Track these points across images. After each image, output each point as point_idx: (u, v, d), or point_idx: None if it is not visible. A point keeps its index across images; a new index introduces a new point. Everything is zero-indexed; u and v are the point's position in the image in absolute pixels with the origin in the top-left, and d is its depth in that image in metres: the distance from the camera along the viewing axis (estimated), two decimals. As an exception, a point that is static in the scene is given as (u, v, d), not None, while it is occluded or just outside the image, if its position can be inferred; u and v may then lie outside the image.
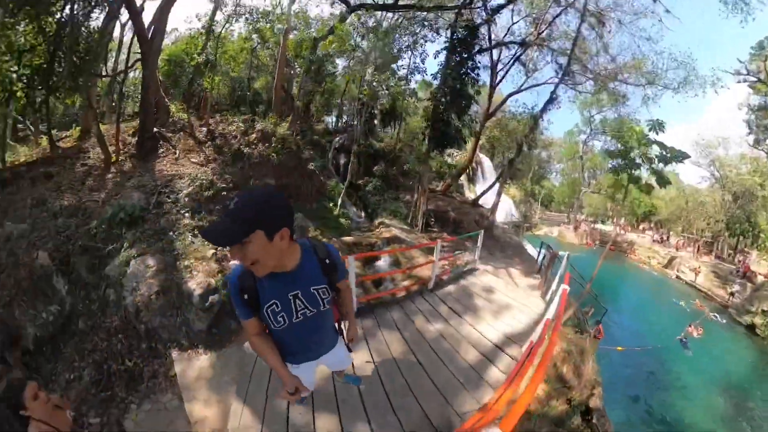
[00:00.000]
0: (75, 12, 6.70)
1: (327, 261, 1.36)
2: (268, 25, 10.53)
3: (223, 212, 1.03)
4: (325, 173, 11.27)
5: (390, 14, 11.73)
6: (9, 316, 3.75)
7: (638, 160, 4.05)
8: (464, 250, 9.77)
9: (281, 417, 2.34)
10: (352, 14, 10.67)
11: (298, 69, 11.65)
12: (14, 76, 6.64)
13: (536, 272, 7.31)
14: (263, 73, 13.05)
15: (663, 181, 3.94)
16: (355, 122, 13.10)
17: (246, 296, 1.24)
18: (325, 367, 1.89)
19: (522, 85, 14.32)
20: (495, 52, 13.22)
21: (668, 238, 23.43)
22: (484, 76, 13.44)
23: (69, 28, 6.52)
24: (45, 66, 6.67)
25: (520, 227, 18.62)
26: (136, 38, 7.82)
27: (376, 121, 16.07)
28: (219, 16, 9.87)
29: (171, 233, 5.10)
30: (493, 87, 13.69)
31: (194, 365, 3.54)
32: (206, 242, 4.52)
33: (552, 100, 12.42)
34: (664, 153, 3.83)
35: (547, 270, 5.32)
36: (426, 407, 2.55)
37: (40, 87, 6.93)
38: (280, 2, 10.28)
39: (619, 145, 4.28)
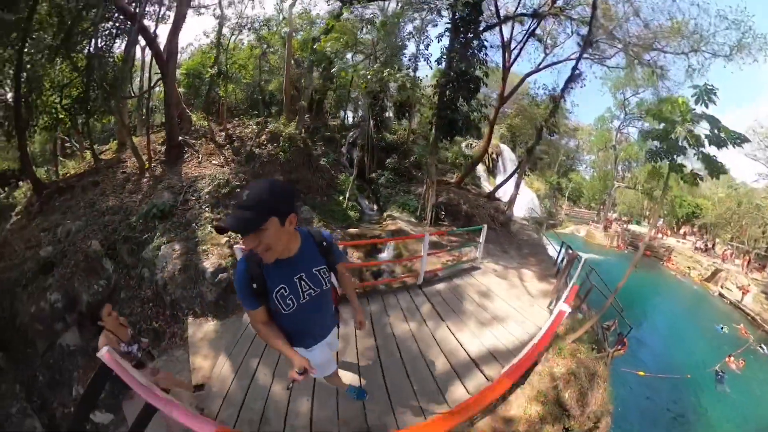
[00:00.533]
0: (100, 45, 8.34)
1: (324, 244, 1.54)
2: (272, 30, 11.40)
3: (239, 204, 1.11)
4: (338, 168, 11.56)
5: (388, 4, 11.76)
6: (70, 287, 5.17)
7: (682, 143, 3.22)
8: (473, 246, 9.16)
9: (249, 372, 2.99)
10: (350, 8, 10.83)
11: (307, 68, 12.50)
12: (58, 106, 8.54)
13: (554, 275, 6.59)
14: (276, 76, 13.65)
15: (715, 169, 3.07)
16: (367, 116, 13.67)
17: (255, 285, 1.34)
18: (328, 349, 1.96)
19: (540, 63, 13.00)
20: (506, 28, 12.00)
21: (713, 246, 20.34)
22: (496, 57, 12.82)
23: (97, 61, 8.09)
24: (82, 95, 8.47)
25: (541, 224, 17.36)
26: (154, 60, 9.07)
27: (390, 114, 16.22)
28: (225, 30, 10.86)
29: (194, 224, 6.44)
30: (506, 68, 12.59)
31: (203, 329, 4.50)
32: (216, 221, 6.26)
33: (574, 77, 11.21)
34: (716, 132, 3.00)
35: (564, 275, 4.62)
36: (344, 414, 2.55)
37: (80, 113, 8.73)
38: (281, 7, 11.06)
39: (657, 124, 3.43)
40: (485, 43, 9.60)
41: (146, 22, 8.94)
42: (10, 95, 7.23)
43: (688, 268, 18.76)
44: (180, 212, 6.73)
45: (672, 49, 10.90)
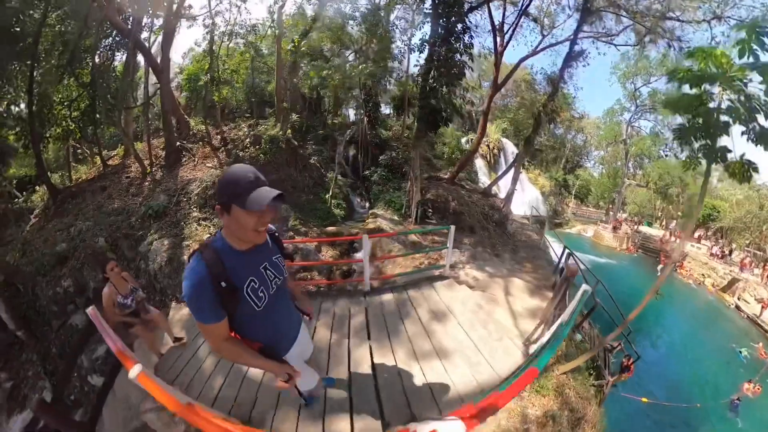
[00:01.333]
0: (101, 61, 9.67)
1: (276, 234, 1.65)
2: (260, 34, 11.87)
3: (262, 182, 1.20)
4: (330, 166, 11.75)
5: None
6: (80, 276, 6.28)
7: (725, 116, 2.25)
8: (458, 248, 8.25)
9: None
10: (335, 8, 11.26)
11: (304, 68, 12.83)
12: (68, 118, 9.77)
13: (551, 287, 5.66)
14: (273, 77, 13.69)
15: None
16: (361, 113, 14.12)
17: (223, 283, 1.21)
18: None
19: (537, 46, 11.90)
20: (496, 9, 11.03)
21: (730, 252, 18.89)
22: (488, 42, 12.11)
23: (100, 76, 9.22)
24: (88, 107, 9.58)
25: (543, 223, 16.33)
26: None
27: (389, 110, 16.67)
28: (216, 38, 11.30)
29: (182, 223, 7.41)
30: (499, 53, 11.54)
31: (180, 312, 4.69)
32: (206, 227, 7.30)
33: (574, 54, 10.14)
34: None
35: (556, 297, 3.64)
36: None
37: (88, 124, 9.90)
38: (273, 9, 11.13)
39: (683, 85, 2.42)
40: (471, 25, 9.03)
41: (145, 33, 10.09)
42: (24, 109, 8.30)
43: (702, 275, 17.54)
44: (172, 212, 7.74)
45: (690, 16, 9.48)
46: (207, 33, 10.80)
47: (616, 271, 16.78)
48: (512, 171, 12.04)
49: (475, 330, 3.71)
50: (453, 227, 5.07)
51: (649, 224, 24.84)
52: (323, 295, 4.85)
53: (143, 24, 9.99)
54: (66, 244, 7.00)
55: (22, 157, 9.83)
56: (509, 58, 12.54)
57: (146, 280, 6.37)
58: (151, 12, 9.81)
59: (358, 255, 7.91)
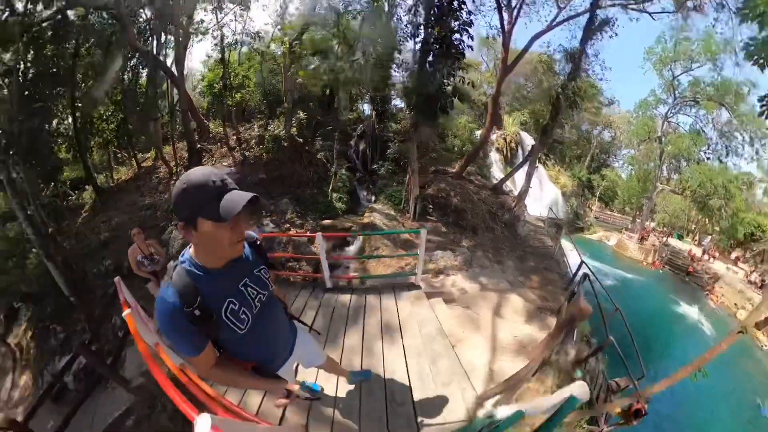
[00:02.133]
0: (128, 80, 12.13)
1: (258, 242, 1.44)
2: (265, 40, 12.81)
3: (230, 185, 1.06)
4: (338, 160, 12.09)
5: None
6: (118, 258, 7.40)
7: None
8: (452, 250, 7.31)
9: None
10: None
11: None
12: (107, 131, 12.24)
13: (556, 311, 4.66)
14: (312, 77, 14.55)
15: None
16: (369, 108, 14.91)
17: (198, 312, 1.09)
18: (301, 364, 1.93)
19: (553, 20, 10.38)
20: None
21: None
22: (494, 20, 11.26)
23: (129, 94, 11.81)
24: (122, 120, 12.02)
25: (561, 227, 14.87)
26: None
27: (402, 104, 15.94)
28: (226, 47, 12.61)
29: None
30: (507, 31, 10.32)
31: None
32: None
33: (598, 25, 8.90)
34: None
35: (558, 338, 2.57)
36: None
37: (123, 134, 12.30)
38: (281, 13, 12.06)
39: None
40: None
41: (163, 49, 11.83)
42: (71, 125, 10.63)
43: (735, 305, 14.92)
44: None
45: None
46: (215, 45, 12.13)
47: (637, 290, 15.09)
48: (527, 166, 10.85)
49: (418, 362, 2.93)
50: (424, 231, 4.29)
51: (680, 237, 22.24)
52: (291, 285, 4.96)
53: (162, 42, 11.64)
54: (108, 233, 8.95)
55: (73, 163, 11.77)
56: (521, 37, 11.17)
57: (167, 261, 7.40)
58: (165, 31, 11.39)
59: (351, 249, 8.45)
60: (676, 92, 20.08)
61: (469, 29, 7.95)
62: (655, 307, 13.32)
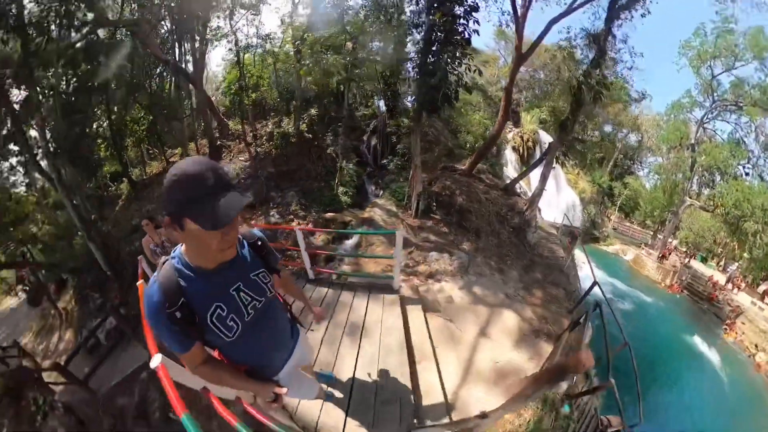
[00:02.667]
0: (155, 85, 13.98)
1: (259, 243, 1.34)
2: (275, 42, 13.75)
3: (225, 185, 0.96)
4: (349, 155, 12.53)
5: None
6: None
7: None
8: (450, 253, 6.73)
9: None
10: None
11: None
12: (139, 131, 14.26)
13: (554, 339, 4.04)
14: (314, 75, 15.22)
15: None
16: (381, 104, 15.37)
17: (179, 314, 1.04)
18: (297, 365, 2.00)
19: (573, 2, 9.30)
20: None
21: None
22: (506, 4, 10.52)
23: (156, 99, 13.47)
24: (151, 122, 13.79)
25: (575, 237, 13.98)
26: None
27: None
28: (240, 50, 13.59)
29: None
30: (520, 16, 9.46)
31: None
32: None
33: (622, 3, 7.94)
34: None
35: (541, 387, 1.96)
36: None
37: (152, 135, 14.26)
38: (289, 19, 13.05)
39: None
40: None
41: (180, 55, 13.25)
42: (107, 128, 12.42)
43: (756, 346, 13.11)
44: None
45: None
46: (230, 50, 13.29)
47: (651, 315, 14.00)
48: (542, 166, 10.07)
49: (367, 372, 2.67)
50: (400, 233, 3.98)
51: (704, 260, 20.19)
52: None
53: (182, 50, 13.03)
54: (139, 219, 13.32)
55: (111, 160, 13.75)
56: (538, 24, 10.26)
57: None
58: (184, 40, 12.81)
59: (349, 242, 8.73)
60: (715, 94, 17.71)
61: (474, 14, 7.39)
62: (668, 337, 12.38)
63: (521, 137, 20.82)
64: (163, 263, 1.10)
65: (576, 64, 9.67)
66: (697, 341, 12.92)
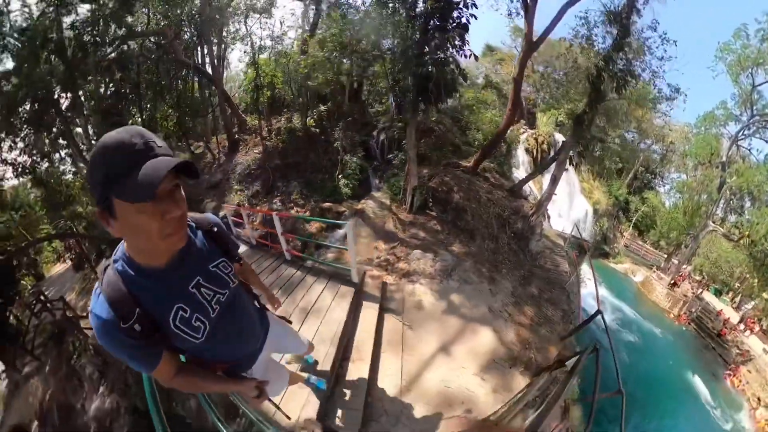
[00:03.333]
0: (180, 86, 15.75)
1: (215, 230, 1.21)
2: (287, 44, 15.08)
3: (156, 150, 0.82)
4: (355, 150, 13.05)
5: None
6: None
7: None
8: (435, 253, 6.03)
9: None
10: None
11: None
12: (168, 127, 15.86)
13: (534, 373, 3.28)
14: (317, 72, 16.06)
15: None
16: (390, 100, 15.69)
17: (138, 327, 0.90)
18: (286, 354, 2.21)
19: None
20: None
21: None
22: None
23: (181, 99, 15.34)
24: (178, 119, 15.56)
25: (585, 251, 12.88)
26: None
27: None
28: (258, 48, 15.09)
29: (226, 192, 12.31)
30: (530, 1, 8.70)
31: None
32: (239, 194, 12.23)
33: None
34: None
35: None
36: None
37: (180, 129, 15.87)
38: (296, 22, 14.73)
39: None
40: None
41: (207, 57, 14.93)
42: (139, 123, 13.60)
43: (758, 399, 11.84)
44: (223, 184, 12.75)
45: None
46: (244, 52, 14.88)
47: (652, 348, 13.05)
48: (554, 167, 9.18)
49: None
50: (351, 223, 4.12)
51: (717, 293, 18.58)
52: (266, 252, 5.82)
53: (204, 53, 14.73)
54: None
55: None
56: (549, 10, 9.37)
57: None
58: (205, 44, 14.24)
59: (340, 232, 9.26)
60: (755, 107, 15.66)
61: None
62: (667, 374, 11.64)
63: (536, 139, 19.79)
64: (104, 270, 0.95)
65: (594, 51, 8.59)
66: (697, 383, 11.98)
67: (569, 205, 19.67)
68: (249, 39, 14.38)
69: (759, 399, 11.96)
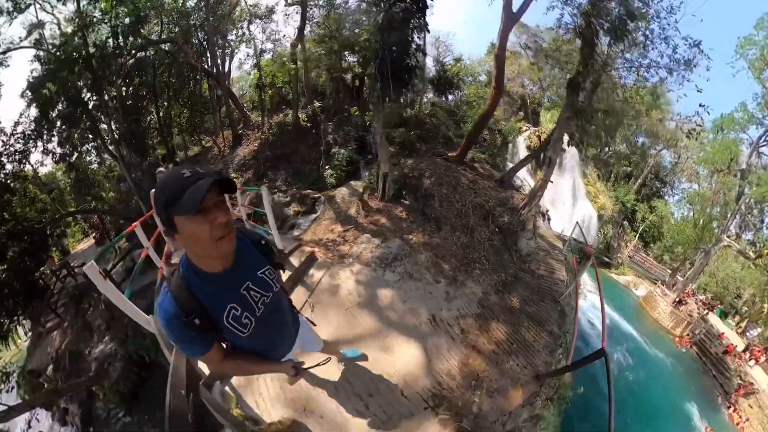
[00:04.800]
0: (192, 86, 17.35)
1: (263, 242, 1.39)
2: (284, 45, 15.90)
3: (202, 175, 1.02)
4: (349, 143, 13.36)
5: None
6: None
7: None
8: (386, 239, 4.52)
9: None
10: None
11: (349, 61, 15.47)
12: (181, 123, 18.04)
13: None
14: (314, 69, 16.46)
15: None
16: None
17: (198, 321, 1.11)
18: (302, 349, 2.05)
19: None
20: None
21: None
22: None
23: (193, 98, 17.36)
24: (189, 116, 17.90)
25: (588, 256, 10.56)
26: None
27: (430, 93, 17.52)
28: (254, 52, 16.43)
29: None
30: None
31: None
32: (234, 179, 12.15)
33: None
34: None
35: None
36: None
37: (192, 125, 18.27)
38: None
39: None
40: None
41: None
42: (156, 120, 16.30)
43: None
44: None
45: None
46: (247, 55, 16.30)
47: (651, 371, 11.64)
48: (549, 149, 7.54)
49: None
50: (265, 190, 4.04)
51: (723, 315, 16.82)
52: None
53: (213, 55, 15.33)
54: None
55: (160, 145, 16.83)
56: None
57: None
58: (214, 47, 15.12)
59: (311, 217, 10.12)
60: None
61: None
62: (665, 402, 10.47)
63: (538, 136, 18.20)
64: (171, 273, 1.14)
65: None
66: (695, 415, 10.68)
67: (572, 209, 17.97)
68: (252, 42, 15.58)
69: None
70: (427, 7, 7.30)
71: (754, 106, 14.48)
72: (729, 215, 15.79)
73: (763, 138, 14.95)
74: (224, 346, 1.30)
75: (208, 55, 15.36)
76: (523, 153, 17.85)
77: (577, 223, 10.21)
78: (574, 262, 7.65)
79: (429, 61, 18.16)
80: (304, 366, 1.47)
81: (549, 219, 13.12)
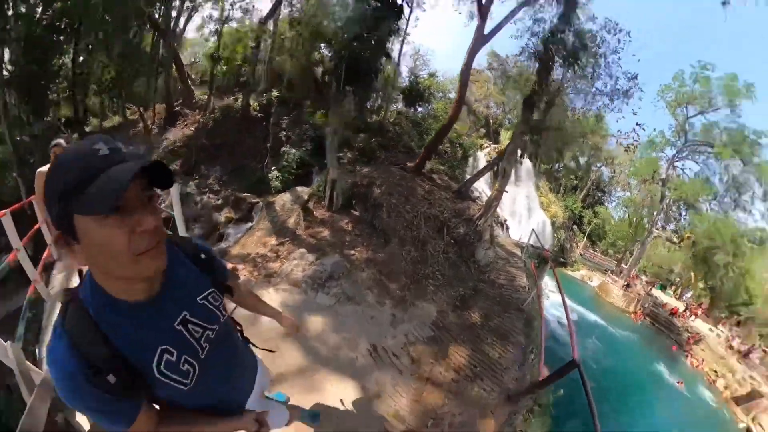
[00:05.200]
0: (129, 34, 12.69)
1: (203, 256, 0.98)
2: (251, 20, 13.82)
3: (122, 156, 0.65)
4: (303, 143, 12.13)
5: None
6: None
7: None
8: (324, 254, 4.02)
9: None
10: None
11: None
12: (105, 80, 13.57)
13: None
14: (285, 54, 14.95)
15: None
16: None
17: (113, 378, 0.68)
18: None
19: None
20: None
21: (759, 354, 14.48)
22: None
23: (130, 50, 12.69)
24: (118, 73, 12.85)
25: (545, 261, 10.65)
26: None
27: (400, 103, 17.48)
28: (214, 22, 13.98)
29: None
30: None
31: None
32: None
33: None
34: None
35: None
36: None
37: (117, 86, 13.52)
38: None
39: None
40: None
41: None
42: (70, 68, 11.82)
43: (716, 372, 13.40)
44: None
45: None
46: (210, 17, 13.38)
47: (619, 347, 13.34)
48: (504, 161, 7.63)
49: None
50: (175, 187, 3.32)
51: (663, 288, 21.57)
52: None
53: (168, 8, 12.72)
54: None
55: (67, 102, 12.78)
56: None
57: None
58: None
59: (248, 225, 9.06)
60: (687, 135, 19.19)
61: None
62: (637, 369, 12.04)
63: (498, 153, 19.38)
64: (66, 305, 0.70)
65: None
66: (665, 373, 12.72)
67: (528, 219, 19.72)
68: (220, 3, 12.82)
69: (716, 371, 13.43)
70: (402, 13, 7.28)
71: (669, 133, 20.07)
72: (655, 213, 19.70)
73: (677, 155, 19.69)
74: (156, 407, 0.88)
75: (163, 4, 12.20)
76: (482, 165, 18.92)
77: (533, 230, 10.44)
78: (533, 267, 7.63)
79: (404, 71, 17.96)
80: (271, 422, 1.08)
81: (507, 228, 13.51)
